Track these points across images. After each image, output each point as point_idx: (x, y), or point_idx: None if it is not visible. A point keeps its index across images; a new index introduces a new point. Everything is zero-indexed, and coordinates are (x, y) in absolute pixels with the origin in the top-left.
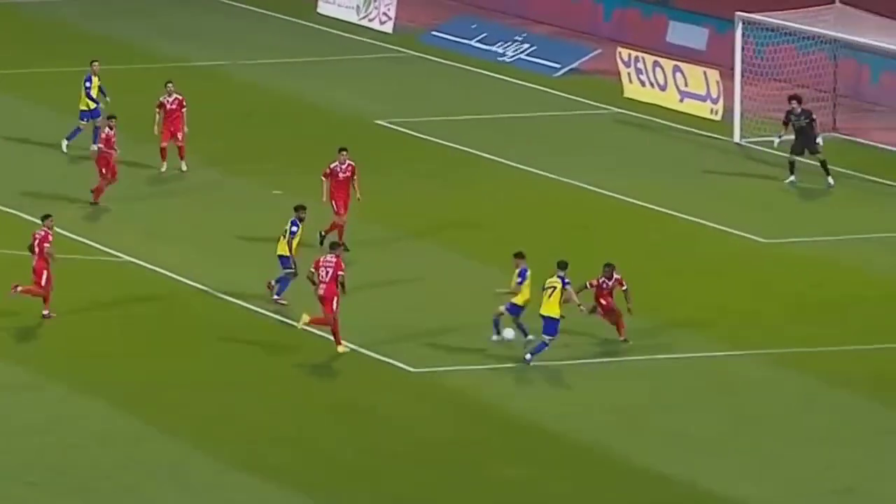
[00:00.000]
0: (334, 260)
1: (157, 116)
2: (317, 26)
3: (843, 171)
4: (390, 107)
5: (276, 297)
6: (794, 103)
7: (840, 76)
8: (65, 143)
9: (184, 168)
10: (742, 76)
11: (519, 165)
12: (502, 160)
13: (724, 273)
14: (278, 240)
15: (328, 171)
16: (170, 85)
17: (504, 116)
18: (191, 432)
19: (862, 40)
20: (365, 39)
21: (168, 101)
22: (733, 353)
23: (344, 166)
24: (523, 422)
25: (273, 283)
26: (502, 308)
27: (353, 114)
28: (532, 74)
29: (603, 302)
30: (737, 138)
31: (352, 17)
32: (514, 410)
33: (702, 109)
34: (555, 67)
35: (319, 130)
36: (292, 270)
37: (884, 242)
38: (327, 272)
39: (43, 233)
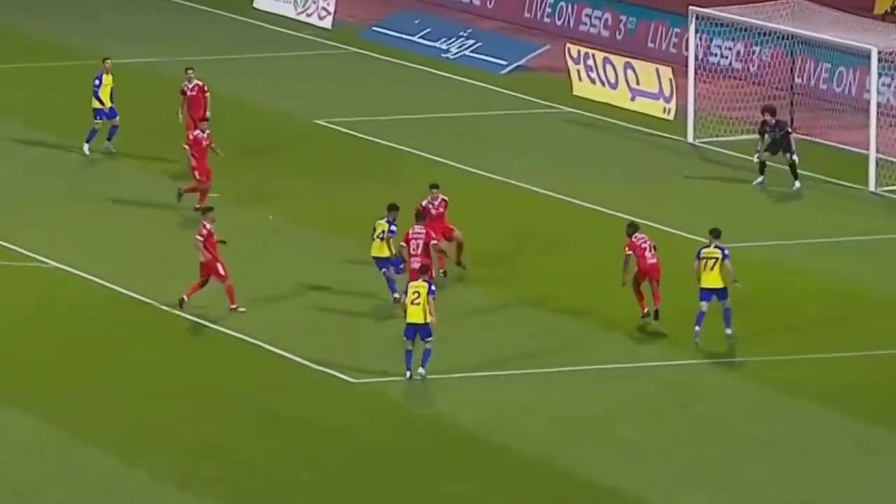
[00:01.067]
0: (423, 230)
1: (181, 105)
2: (253, 21)
3: (800, 172)
4: (330, 106)
5: (395, 295)
6: (768, 115)
7: (797, 73)
8: (86, 146)
9: (219, 153)
10: (696, 73)
11: (464, 167)
12: (447, 161)
13: (678, 279)
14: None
15: (420, 208)
16: (190, 71)
17: (449, 116)
18: (121, 445)
19: (820, 36)
20: (303, 35)
21: (188, 88)
22: (686, 362)
23: (437, 202)
24: (468, 434)
25: (397, 296)
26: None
27: (291, 113)
28: (477, 72)
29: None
30: (690, 138)
31: (289, 13)
32: (459, 422)
33: (654, 108)
34: (501, 64)
35: (256, 131)
36: (402, 267)
37: (840, 247)
38: (419, 245)
39: (207, 228)
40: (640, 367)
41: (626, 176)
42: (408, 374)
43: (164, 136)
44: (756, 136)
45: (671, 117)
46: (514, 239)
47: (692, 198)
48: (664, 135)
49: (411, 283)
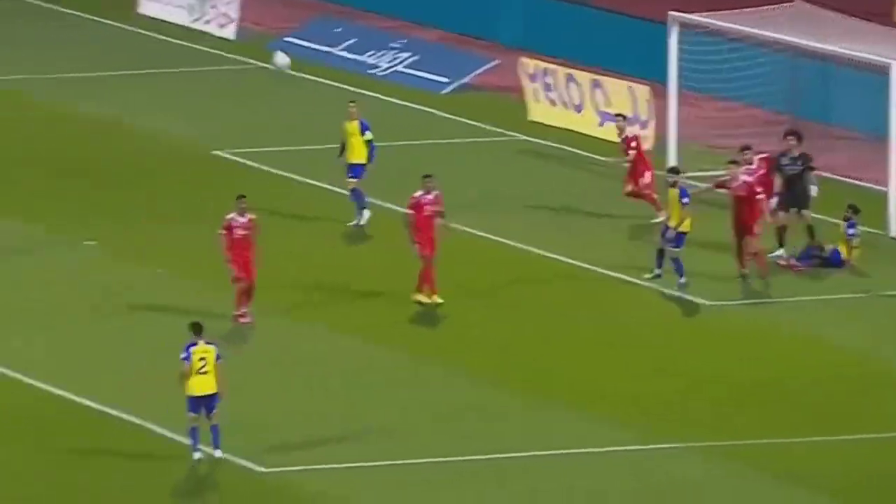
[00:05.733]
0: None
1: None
2: (137, 30)
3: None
4: (232, 133)
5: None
6: (792, 140)
7: (802, 94)
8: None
9: (660, 218)
10: (678, 94)
11: (395, 207)
12: (374, 200)
13: (653, 344)
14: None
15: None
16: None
17: (377, 145)
18: None
19: (828, 48)
20: (200, 47)
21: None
22: (660, 447)
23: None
24: None
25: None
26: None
27: (184, 142)
28: (413, 91)
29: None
30: None
31: (183, 19)
32: None
33: None
34: (441, 82)
35: (139, 165)
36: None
37: (854, 306)
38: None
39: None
40: (601, 454)
41: (593, 218)
42: (197, 454)
43: (22, 172)
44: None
45: (648, 146)
46: (456, 293)
47: None
48: None
49: (196, 348)
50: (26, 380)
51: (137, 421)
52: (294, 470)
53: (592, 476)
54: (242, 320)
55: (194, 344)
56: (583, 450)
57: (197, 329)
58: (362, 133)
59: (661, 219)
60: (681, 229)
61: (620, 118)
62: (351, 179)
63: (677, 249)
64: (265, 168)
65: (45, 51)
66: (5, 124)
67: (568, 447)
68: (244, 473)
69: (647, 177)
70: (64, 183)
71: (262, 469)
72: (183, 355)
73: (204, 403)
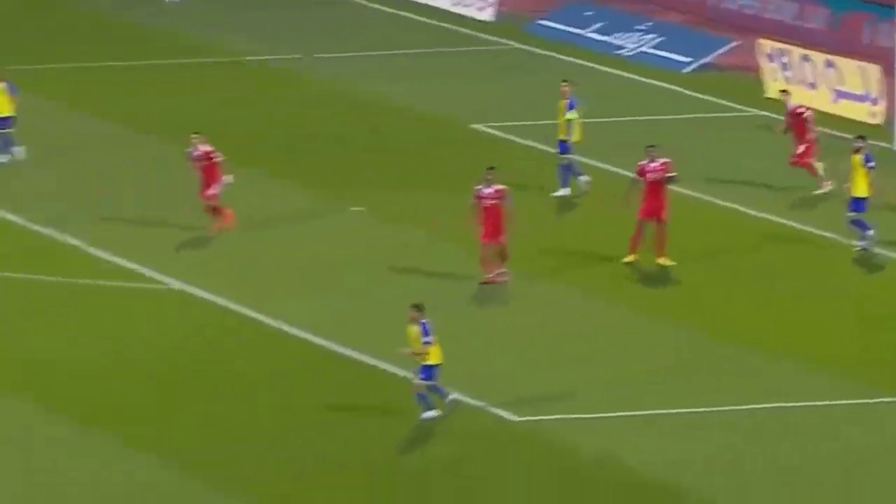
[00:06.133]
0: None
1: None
2: (403, 14)
3: None
4: (489, 108)
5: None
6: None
7: None
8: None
9: (824, 189)
10: None
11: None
12: (621, 171)
13: (872, 303)
14: None
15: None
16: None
17: (624, 120)
18: (242, 488)
19: None
20: (460, 29)
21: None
22: (886, 400)
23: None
24: (643, 481)
25: None
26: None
27: (445, 116)
28: (657, 70)
29: None
30: None
31: (443, 3)
32: (643, 467)
33: (859, 112)
34: (684, 62)
35: (403, 138)
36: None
37: None
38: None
39: (493, 189)
40: (833, 406)
41: (825, 189)
42: (433, 413)
43: (294, 142)
44: None
45: (879, 122)
46: (691, 261)
47: None
48: (870, 142)
49: (430, 326)
50: (302, 334)
51: (400, 373)
52: (545, 419)
53: (819, 428)
54: (499, 279)
55: (426, 322)
56: (809, 403)
57: (421, 308)
58: (566, 111)
59: (824, 189)
60: (859, 195)
61: (784, 93)
62: (562, 156)
63: (858, 213)
64: (519, 140)
65: (318, 33)
66: (287, 100)
67: (794, 400)
68: (499, 422)
69: (799, 148)
70: (337, 154)
71: (516, 418)
72: (427, 338)
73: (439, 370)
